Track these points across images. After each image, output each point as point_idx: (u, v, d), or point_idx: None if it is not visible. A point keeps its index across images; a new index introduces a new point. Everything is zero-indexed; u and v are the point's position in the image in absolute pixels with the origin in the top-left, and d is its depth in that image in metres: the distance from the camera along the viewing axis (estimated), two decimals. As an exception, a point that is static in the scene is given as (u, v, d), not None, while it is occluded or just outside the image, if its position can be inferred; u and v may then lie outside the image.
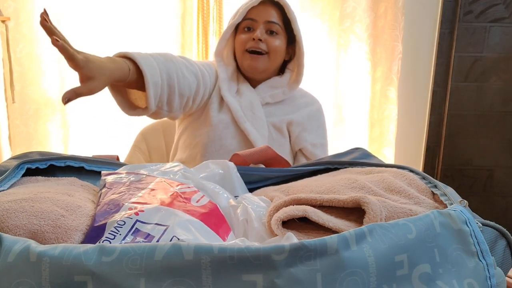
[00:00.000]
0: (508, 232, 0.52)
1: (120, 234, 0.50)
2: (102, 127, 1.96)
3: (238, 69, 1.25)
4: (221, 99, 1.20)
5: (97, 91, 0.80)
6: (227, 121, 1.16)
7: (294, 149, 1.24)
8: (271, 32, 1.18)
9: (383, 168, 0.71)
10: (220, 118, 1.16)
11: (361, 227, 0.44)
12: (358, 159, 0.81)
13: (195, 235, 0.52)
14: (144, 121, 1.47)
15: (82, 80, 0.78)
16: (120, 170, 0.70)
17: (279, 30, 1.19)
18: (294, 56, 1.25)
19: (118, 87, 0.99)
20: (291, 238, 0.49)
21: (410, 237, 0.45)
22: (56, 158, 0.72)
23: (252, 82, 1.24)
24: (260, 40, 1.16)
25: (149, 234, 0.51)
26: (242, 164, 0.81)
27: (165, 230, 0.51)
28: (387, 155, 2.04)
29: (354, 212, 0.57)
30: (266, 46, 1.17)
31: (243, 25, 1.20)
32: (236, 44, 1.22)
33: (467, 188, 2.22)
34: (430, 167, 2.21)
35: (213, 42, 1.91)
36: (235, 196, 0.70)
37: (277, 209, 0.59)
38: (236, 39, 1.22)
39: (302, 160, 1.23)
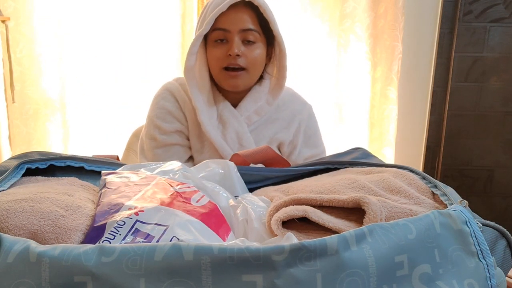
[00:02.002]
0: (508, 232, 0.52)
1: (120, 234, 0.50)
2: (102, 127, 1.96)
3: (212, 83, 1.12)
4: (199, 130, 1.09)
5: None
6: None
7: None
8: (248, 41, 1.04)
9: (383, 168, 0.71)
10: (203, 158, 1.06)
11: (361, 227, 0.44)
12: (358, 159, 0.80)
13: (195, 235, 0.52)
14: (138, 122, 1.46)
15: None
16: (120, 170, 0.70)
17: (257, 37, 1.05)
18: (274, 58, 1.12)
19: None
20: (291, 238, 0.49)
21: (410, 237, 0.45)
22: (56, 158, 0.72)
23: (232, 99, 1.12)
24: (238, 55, 1.03)
25: (149, 234, 0.51)
26: (242, 164, 0.81)
27: (165, 230, 0.51)
28: (387, 155, 2.04)
29: (354, 212, 0.57)
30: (244, 60, 1.04)
31: (214, 36, 1.04)
32: (210, 59, 1.07)
33: (467, 188, 2.22)
34: (430, 167, 2.21)
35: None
36: (235, 196, 0.70)
37: (277, 209, 0.59)
38: (208, 53, 1.07)
39: None
